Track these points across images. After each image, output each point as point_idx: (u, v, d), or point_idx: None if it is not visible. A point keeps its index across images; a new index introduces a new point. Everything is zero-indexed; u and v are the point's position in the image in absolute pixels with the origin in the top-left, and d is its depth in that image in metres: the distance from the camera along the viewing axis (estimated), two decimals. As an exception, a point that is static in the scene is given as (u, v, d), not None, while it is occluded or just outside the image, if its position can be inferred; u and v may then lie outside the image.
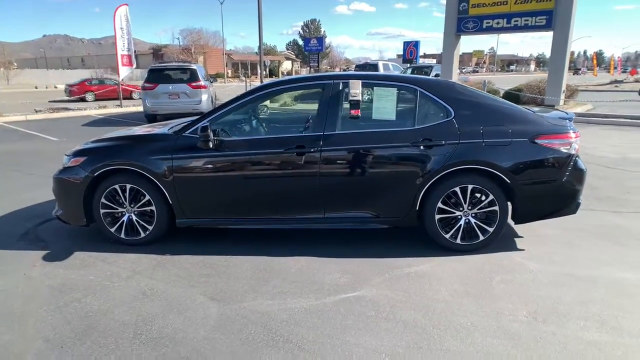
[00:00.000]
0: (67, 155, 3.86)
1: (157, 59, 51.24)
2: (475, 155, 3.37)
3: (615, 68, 47.44)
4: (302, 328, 2.58)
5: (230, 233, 4.00)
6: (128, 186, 3.67)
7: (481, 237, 3.52)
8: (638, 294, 2.91)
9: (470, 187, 3.42)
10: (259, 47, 18.13)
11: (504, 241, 3.70)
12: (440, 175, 3.40)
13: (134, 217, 3.75)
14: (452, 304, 2.83)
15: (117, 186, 3.68)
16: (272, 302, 2.87)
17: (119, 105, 17.18)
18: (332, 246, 3.70)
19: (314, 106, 3.70)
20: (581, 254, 3.53)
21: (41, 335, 2.54)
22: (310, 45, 63.18)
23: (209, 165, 3.59)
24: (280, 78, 4.76)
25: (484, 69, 78.94)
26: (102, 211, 3.73)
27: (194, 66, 12.62)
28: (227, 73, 57.59)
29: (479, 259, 3.46)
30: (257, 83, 21.35)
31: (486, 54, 79.22)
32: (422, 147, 3.40)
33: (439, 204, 3.47)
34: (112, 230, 3.77)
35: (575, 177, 3.44)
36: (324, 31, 74.63)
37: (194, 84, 12.05)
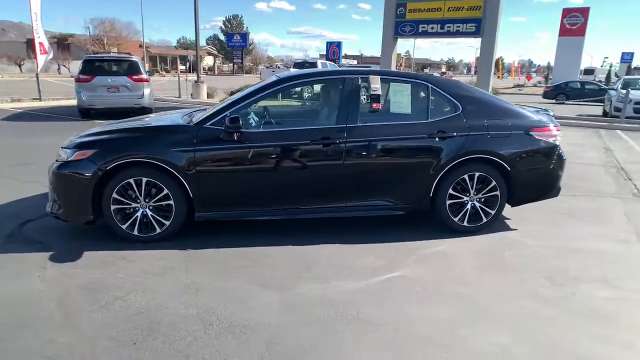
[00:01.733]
0: (68, 148, 3.58)
1: (63, 50, 46.90)
2: (482, 145, 3.77)
3: (515, 73, 53.23)
4: (365, 306, 2.74)
5: (239, 225, 3.98)
6: (144, 180, 3.51)
7: (484, 219, 3.93)
8: (620, 260, 3.50)
9: (477, 174, 3.81)
10: (196, 40, 17.47)
11: (498, 223, 4.16)
12: (452, 165, 3.74)
13: (149, 213, 3.60)
14: (481, 277, 3.17)
15: (131, 180, 3.50)
16: (323, 286, 2.99)
17: (36, 99, 15.54)
18: (351, 234, 3.87)
19: (302, 102, 3.85)
20: (564, 231, 4.11)
21: (103, 334, 2.41)
22: (234, 41, 62.07)
23: (233, 157, 3.58)
24: (299, 71, 4.63)
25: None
26: (113, 207, 3.53)
27: (134, 58, 11.88)
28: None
29: (484, 238, 3.87)
30: (192, 77, 20.51)
31: (403, 57, 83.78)
32: (437, 139, 3.72)
33: (450, 191, 3.82)
34: (124, 227, 3.58)
35: (559, 164, 4.00)
36: (247, 27, 73.47)
37: (136, 76, 11.36)
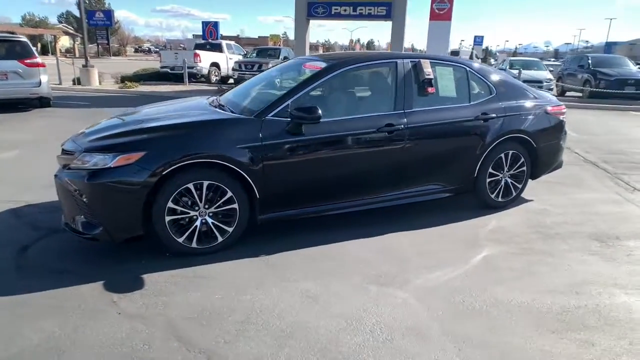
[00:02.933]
0: (103, 153, 2.89)
1: None
2: (516, 125, 4.05)
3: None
4: (495, 286, 2.81)
5: (281, 226, 3.67)
6: (205, 183, 3.03)
7: (514, 194, 4.28)
8: (633, 217, 4.14)
9: (510, 152, 4.10)
10: (80, 17, 15.05)
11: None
12: (494, 145, 3.96)
13: (209, 220, 3.12)
14: (549, 245, 3.47)
15: (190, 185, 2.99)
16: (435, 276, 2.96)
17: None
18: (400, 221, 3.87)
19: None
20: (573, 197, 4.68)
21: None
22: (96, 19, 55.08)
23: (303, 150, 3.28)
24: (350, 56, 4.10)
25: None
26: (168, 218, 2.98)
27: (22, 38, 9.83)
28: None
29: (516, 211, 4.22)
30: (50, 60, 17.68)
31: (282, 38, 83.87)
32: (482, 121, 3.89)
33: (490, 169, 4.05)
34: (181, 240, 3.06)
35: (565, 138, 4.51)
36: (109, 4, 65.57)
37: (29, 60, 9.42)
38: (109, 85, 15.47)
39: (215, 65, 17.21)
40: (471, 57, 43.65)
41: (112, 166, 2.84)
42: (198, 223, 3.09)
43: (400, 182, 3.71)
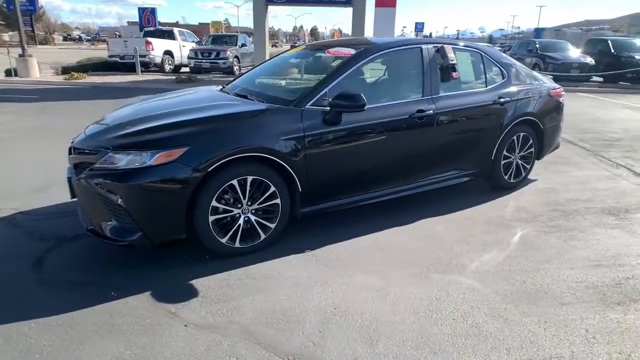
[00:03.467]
0: (138, 151, 2.61)
1: None
2: (527, 108, 4.17)
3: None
4: (538, 271, 2.89)
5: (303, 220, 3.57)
6: (249, 179, 2.84)
7: (523, 174, 4.43)
8: (630, 191, 4.43)
9: (522, 135, 4.23)
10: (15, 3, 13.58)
11: (519, 176, 4.72)
12: (509, 128, 4.06)
13: (252, 218, 2.94)
14: (572, 222, 3.63)
15: (234, 181, 2.79)
16: (483, 260, 3.00)
17: None
18: (420, 210, 3.89)
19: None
20: (570, 175, 4.92)
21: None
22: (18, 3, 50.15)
23: (342, 139, 3.16)
24: (380, 41, 3.82)
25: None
26: (211, 218, 2.77)
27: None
28: None
29: (527, 191, 4.38)
30: None
31: (224, 25, 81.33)
32: (499, 105, 3.97)
33: (505, 152, 4.16)
34: (224, 240, 2.86)
35: (563, 120, 4.72)
36: (31, -12, 59.87)
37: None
38: (50, 77, 14.25)
39: (168, 53, 16.33)
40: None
41: (151, 165, 2.58)
42: (241, 221, 2.90)
43: (429, 168, 3.71)
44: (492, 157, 4.08)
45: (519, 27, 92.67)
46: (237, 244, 2.92)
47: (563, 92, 4.62)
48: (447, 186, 3.91)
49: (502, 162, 4.18)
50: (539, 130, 4.35)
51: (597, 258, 3.03)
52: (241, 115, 2.95)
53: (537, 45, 15.80)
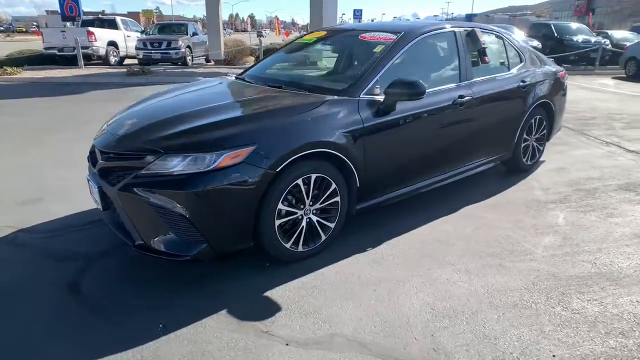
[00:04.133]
0: (200, 152, 2.30)
1: None
2: (543, 91, 4.24)
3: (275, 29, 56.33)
4: (608, 253, 2.95)
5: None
6: (313, 177, 2.61)
7: (537, 156, 4.53)
8: (630, 165, 4.68)
9: (538, 117, 4.31)
10: None
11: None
12: (529, 111, 4.11)
13: (315, 218, 2.73)
14: (601, 199, 3.75)
15: (299, 180, 2.55)
16: (545, 244, 3.01)
17: None
18: (448, 198, 3.86)
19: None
20: (572, 154, 5.11)
21: None
22: None
23: (396, 128, 3.00)
24: (420, 26, 3.52)
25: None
26: (277, 222, 2.53)
27: None
28: None
29: (542, 173, 4.47)
30: None
31: (155, 13, 77.18)
32: (522, 89, 3.99)
33: (525, 135, 4.22)
34: (288, 245, 2.63)
35: (566, 101, 4.87)
36: None
37: None
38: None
39: (112, 44, 15.12)
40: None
41: (216, 167, 2.28)
42: (304, 223, 2.68)
43: (467, 155, 3.66)
44: (515, 141, 4.11)
45: (452, 13, 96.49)
46: (300, 248, 2.69)
47: (567, 75, 4.76)
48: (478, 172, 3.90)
49: (523, 145, 4.24)
50: (550, 112, 4.46)
51: (644, 233, 3.15)
52: (302, 109, 2.68)
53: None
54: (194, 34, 16.10)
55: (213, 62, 15.49)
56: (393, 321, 2.19)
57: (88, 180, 2.82)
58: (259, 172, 2.35)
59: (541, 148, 4.54)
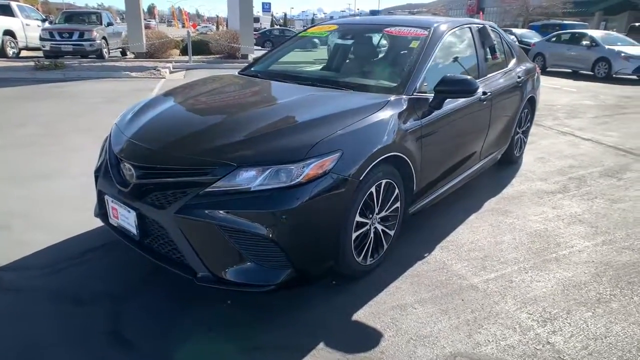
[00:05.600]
0: (288, 162, 1.96)
1: None
2: (532, 85, 4.44)
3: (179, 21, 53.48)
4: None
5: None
6: (383, 183, 2.40)
7: (523, 147, 4.75)
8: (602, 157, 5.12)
9: (526, 111, 4.50)
10: None
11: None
12: (523, 105, 4.28)
13: (380, 227, 2.52)
14: (595, 186, 4.03)
15: (373, 188, 2.33)
16: (589, 233, 3.13)
17: None
18: (474, 192, 3.90)
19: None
20: (542, 144, 5.44)
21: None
22: None
23: (444, 126, 2.88)
24: (429, 21, 3.11)
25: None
26: (354, 235, 2.28)
27: None
28: None
29: (528, 164, 4.70)
30: None
31: (41, 1, 68.68)
32: (519, 84, 4.12)
33: (517, 128, 4.38)
34: (360, 259, 2.39)
35: (538, 94, 5.16)
36: None
37: None
38: None
39: (9, 33, 13.05)
40: (272, 24, 44.87)
41: (304, 180, 1.96)
42: (372, 233, 2.45)
43: (485, 149, 3.67)
44: (512, 133, 4.25)
45: (358, 9, 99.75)
46: (368, 261, 2.47)
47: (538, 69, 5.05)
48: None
49: (515, 137, 4.40)
50: (534, 105, 4.69)
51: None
52: (371, 109, 2.42)
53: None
54: (109, 24, 14.55)
55: (133, 55, 14.14)
56: (523, 330, 2.08)
57: (108, 201, 2.31)
58: (346, 181, 2.08)
59: (526, 140, 4.77)
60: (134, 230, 2.17)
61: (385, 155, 2.32)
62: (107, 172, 2.35)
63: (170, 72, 11.96)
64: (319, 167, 2.01)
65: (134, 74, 10.83)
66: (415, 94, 2.70)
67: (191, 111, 2.58)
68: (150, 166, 2.10)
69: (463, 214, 3.37)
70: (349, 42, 3.53)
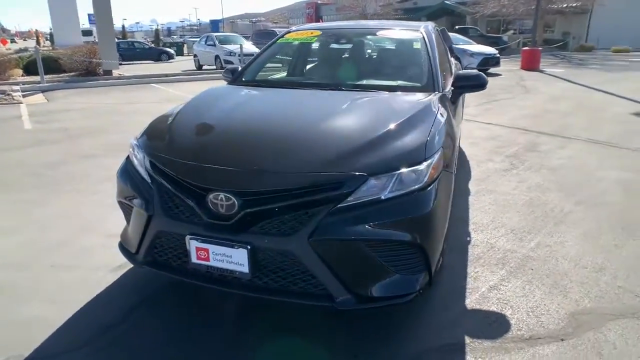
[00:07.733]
0: (410, 165, 1.92)
1: None
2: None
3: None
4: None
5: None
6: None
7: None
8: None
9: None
10: None
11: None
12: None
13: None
14: (538, 157, 4.79)
15: (448, 179, 2.43)
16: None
17: None
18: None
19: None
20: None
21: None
22: None
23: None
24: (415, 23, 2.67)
25: None
26: (443, 231, 2.35)
27: None
28: None
29: (468, 146, 5.34)
30: None
31: None
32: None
33: (461, 117, 4.93)
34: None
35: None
36: None
37: None
38: None
39: None
40: (122, 36, 41.00)
41: (428, 181, 1.96)
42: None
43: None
44: (460, 123, 4.78)
45: (199, 19, 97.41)
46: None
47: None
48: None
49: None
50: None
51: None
52: (429, 108, 2.47)
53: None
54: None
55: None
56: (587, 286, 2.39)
57: (189, 242, 1.93)
58: (451, 175, 2.15)
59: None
60: (242, 268, 1.87)
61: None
62: (175, 208, 1.97)
63: (23, 96, 10.06)
64: (435, 166, 2.02)
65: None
66: (443, 91, 2.87)
67: (255, 125, 2.30)
68: (260, 191, 1.84)
69: (461, 198, 3.67)
70: (347, 46, 3.53)
